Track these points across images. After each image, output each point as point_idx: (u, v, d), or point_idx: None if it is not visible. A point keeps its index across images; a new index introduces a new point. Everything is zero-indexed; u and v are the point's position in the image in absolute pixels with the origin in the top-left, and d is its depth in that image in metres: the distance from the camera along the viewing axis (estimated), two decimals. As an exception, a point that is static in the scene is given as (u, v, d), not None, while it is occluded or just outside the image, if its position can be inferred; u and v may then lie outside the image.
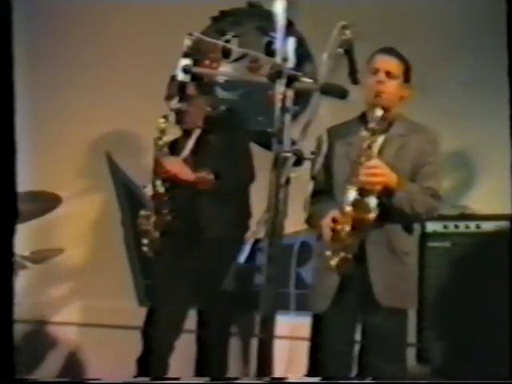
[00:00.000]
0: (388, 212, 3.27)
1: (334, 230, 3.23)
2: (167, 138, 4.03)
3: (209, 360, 4.03)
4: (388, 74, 3.38)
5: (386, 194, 3.24)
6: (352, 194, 3.21)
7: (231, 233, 3.91)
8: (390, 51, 3.44)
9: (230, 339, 4.15)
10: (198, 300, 4.06)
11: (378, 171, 3.23)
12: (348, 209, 3.19)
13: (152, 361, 3.98)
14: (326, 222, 3.25)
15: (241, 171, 4.03)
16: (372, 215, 3.18)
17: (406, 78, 3.45)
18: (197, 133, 4.10)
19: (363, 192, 3.21)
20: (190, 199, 3.99)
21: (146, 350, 4.00)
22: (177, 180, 3.94)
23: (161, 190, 3.97)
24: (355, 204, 3.19)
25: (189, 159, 4.04)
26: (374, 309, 3.30)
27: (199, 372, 4.02)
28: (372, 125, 3.27)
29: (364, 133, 3.30)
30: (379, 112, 3.27)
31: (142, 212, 4.04)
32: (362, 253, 3.28)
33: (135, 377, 3.93)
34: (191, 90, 3.91)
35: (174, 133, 4.16)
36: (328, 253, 3.24)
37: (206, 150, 4.06)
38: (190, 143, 4.09)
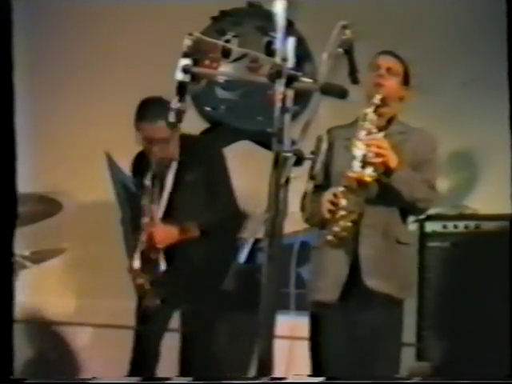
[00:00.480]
0: (386, 191, 3.31)
1: (333, 204, 3.25)
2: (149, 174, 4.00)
3: (192, 360, 4.01)
4: (388, 70, 3.45)
5: (384, 172, 3.27)
6: (355, 164, 3.25)
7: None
8: (390, 53, 3.52)
9: (217, 339, 4.11)
10: (183, 301, 4.02)
11: (379, 143, 3.28)
12: (350, 174, 3.23)
13: (144, 360, 3.98)
14: (328, 197, 3.27)
15: (225, 214, 3.98)
16: (368, 178, 3.22)
17: (406, 79, 3.51)
18: (173, 168, 4.01)
19: (363, 165, 3.26)
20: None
21: (137, 349, 4.00)
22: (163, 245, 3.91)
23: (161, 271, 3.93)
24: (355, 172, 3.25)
25: (170, 206, 4.00)
26: (368, 298, 3.30)
27: (183, 372, 4.00)
28: (375, 100, 3.33)
29: (366, 110, 3.35)
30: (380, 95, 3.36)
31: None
32: (356, 236, 3.31)
33: (127, 376, 3.92)
34: (165, 131, 3.80)
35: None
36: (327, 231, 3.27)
37: (186, 191, 3.99)
38: (171, 175, 4.01)
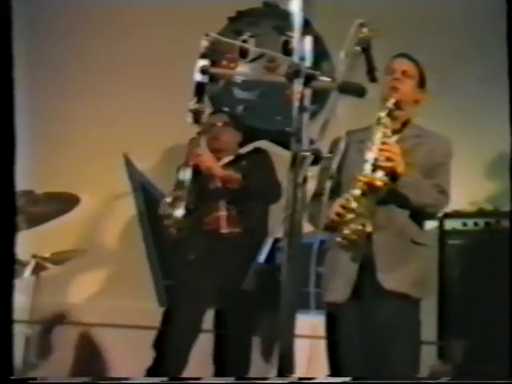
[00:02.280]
0: (394, 195, 3.30)
1: (344, 208, 3.24)
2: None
3: (229, 360, 4.03)
4: (404, 73, 3.44)
5: (391, 177, 3.27)
6: (366, 168, 3.24)
7: None
8: (405, 56, 3.50)
9: (252, 339, 4.14)
10: (217, 300, 4.05)
11: (391, 148, 3.27)
12: (361, 177, 3.22)
13: (171, 360, 3.98)
14: (339, 201, 3.26)
15: (268, 182, 4.16)
16: (379, 182, 3.21)
17: (421, 82, 3.50)
18: (227, 159, 4.32)
19: (374, 168, 3.25)
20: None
21: (164, 349, 4.01)
22: (206, 171, 4.10)
23: (187, 176, 4.09)
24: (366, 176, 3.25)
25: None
26: (383, 298, 3.29)
27: (219, 372, 4.02)
28: (389, 104, 3.32)
29: (380, 113, 3.34)
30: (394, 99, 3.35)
31: (165, 200, 4.13)
32: (369, 237, 3.29)
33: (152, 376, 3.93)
34: (224, 118, 4.32)
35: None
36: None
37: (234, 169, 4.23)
38: (221, 162, 4.28)
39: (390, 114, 3.33)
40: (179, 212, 4.03)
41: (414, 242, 3.40)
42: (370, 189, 3.23)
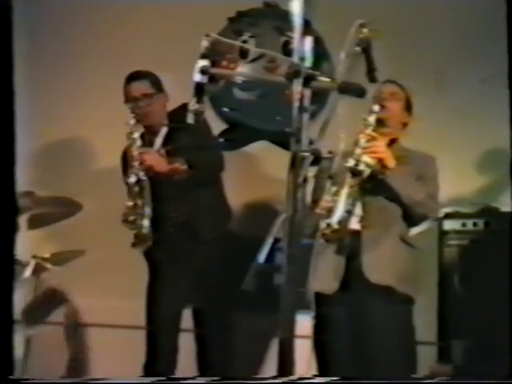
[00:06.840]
0: (384, 187, 3.34)
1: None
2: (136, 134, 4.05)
3: (209, 359, 4.01)
4: (392, 94, 3.52)
5: (380, 170, 3.32)
6: (349, 161, 3.29)
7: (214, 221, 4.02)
8: (393, 82, 3.59)
9: (232, 338, 4.10)
10: (195, 298, 4.04)
11: (374, 145, 3.31)
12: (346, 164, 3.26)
13: (160, 361, 3.98)
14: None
15: (212, 159, 4.05)
16: (362, 168, 3.27)
17: (408, 106, 3.59)
18: (163, 131, 4.10)
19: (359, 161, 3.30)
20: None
21: (151, 350, 4.01)
22: (152, 172, 3.94)
23: (143, 177, 3.98)
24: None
25: (161, 152, 4.06)
26: (370, 293, 3.31)
27: (202, 372, 4.00)
28: (375, 109, 3.36)
29: (365, 116, 3.38)
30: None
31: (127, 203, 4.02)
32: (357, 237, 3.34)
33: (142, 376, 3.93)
34: (148, 88, 4.07)
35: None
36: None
37: (175, 146, 4.05)
38: (159, 140, 4.09)
39: (377, 122, 3.36)
40: (145, 225, 3.99)
41: (403, 241, 3.42)
42: (353, 175, 3.26)
